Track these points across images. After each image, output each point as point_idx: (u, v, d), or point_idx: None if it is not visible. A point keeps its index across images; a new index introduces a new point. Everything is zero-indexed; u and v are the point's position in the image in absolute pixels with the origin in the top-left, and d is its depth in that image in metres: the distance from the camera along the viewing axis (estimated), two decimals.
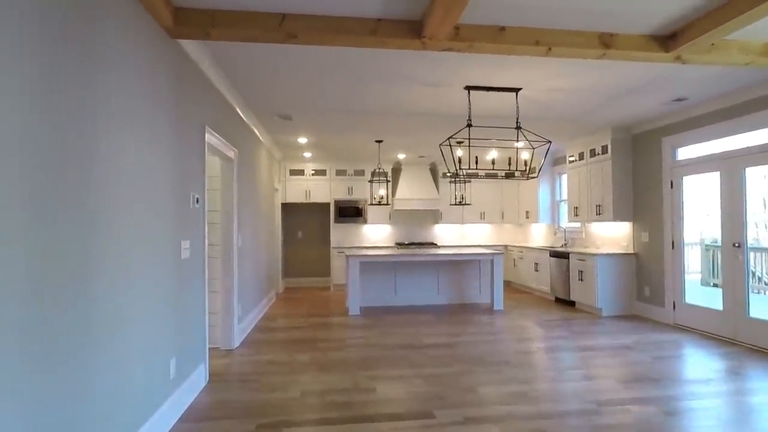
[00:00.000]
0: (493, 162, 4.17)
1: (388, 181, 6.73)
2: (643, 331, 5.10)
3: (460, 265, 7.00)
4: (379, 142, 6.80)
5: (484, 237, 9.51)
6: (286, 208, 9.10)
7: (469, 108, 4.24)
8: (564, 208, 8.06)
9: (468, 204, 6.91)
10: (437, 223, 9.21)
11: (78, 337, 1.79)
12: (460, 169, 4.02)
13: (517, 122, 4.24)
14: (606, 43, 3.05)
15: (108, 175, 2.03)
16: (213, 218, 4.55)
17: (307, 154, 8.04)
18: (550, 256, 7.18)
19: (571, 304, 6.70)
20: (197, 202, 3.33)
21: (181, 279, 2.99)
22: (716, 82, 4.16)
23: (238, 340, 4.66)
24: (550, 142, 4.21)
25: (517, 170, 4.25)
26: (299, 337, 4.92)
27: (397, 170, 9.15)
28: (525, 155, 4.32)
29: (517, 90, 4.22)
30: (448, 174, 8.92)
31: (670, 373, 3.67)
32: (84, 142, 1.84)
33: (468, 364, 3.90)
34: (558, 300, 7.09)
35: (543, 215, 8.21)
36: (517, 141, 4.17)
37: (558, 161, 8.05)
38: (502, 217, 9.25)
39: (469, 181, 6.88)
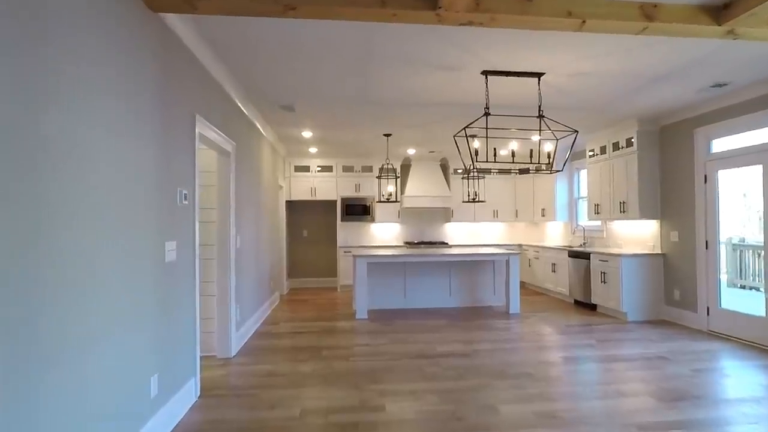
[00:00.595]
0: (512, 154, 3.79)
1: (396, 177, 6.36)
2: (675, 338, 4.69)
3: (473, 265, 6.63)
4: (387, 136, 6.44)
5: (497, 236, 9.11)
6: (291, 205, 8.77)
7: (487, 95, 3.86)
8: (582, 206, 7.64)
9: (481, 201, 6.53)
10: (448, 221, 8.83)
11: (21, 364, 1.46)
12: (476, 162, 3.65)
13: (539, 110, 3.86)
14: (648, 14, 2.66)
15: (64, 162, 1.69)
16: (209, 216, 4.23)
17: (313, 150, 7.70)
18: (569, 256, 6.77)
19: (592, 307, 6.29)
20: (186, 198, 2.99)
21: (165, 284, 2.65)
22: (767, 64, 3.73)
23: (237, 347, 4.33)
24: (576, 132, 3.82)
25: (539, 163, 3.87)
26: (302, 344, 4.58)
27: (406, 167, 8.78)
28: (548, 147, 3.93)
29: (539, 75, 3.84)
30: (460, 171, 8.55)
31: (713, 390, 3.27)
32: (28, 119, 1.50)
33: (486, 377, 3.53)
34: (577, 303, 6.68)
35: (560, 213, 7.80)
36: (540, 131, 3.79)
37: (576, 156, 7.62)
38: (516, 216, 8.84)
39: (483, 177, 6.48)
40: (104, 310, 1.98)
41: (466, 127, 3.71)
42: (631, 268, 5.58)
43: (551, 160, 3.96)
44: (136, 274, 2.28)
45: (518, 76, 3.82)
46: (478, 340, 4.67)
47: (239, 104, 4.49)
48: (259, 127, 5.65)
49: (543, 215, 8.22)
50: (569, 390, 3.26)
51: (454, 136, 3.88)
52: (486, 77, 3.84)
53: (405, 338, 4.78)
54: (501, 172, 8.76)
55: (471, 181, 6.50)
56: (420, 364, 3.90)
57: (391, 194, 6.47)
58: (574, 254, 6.64)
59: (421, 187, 8.41)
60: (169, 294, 2.73)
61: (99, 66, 1.94)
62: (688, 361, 3.90)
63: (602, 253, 5.95)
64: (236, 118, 4.44)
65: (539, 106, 3.86)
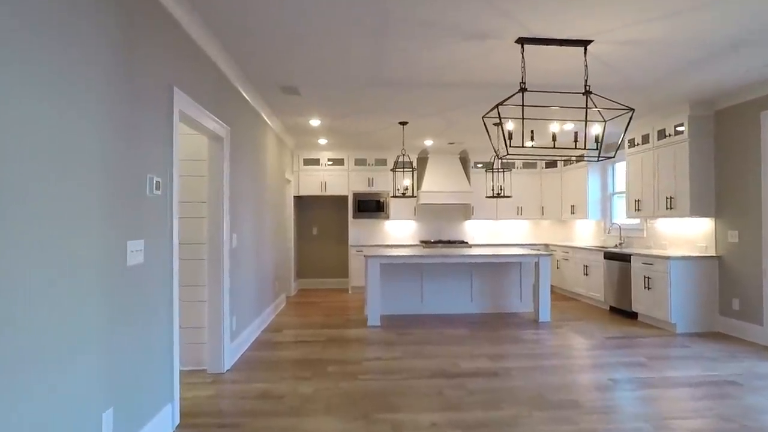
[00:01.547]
0: (554, 138, 3.17)
1: (413, 170, 5.76)
2: (739, 357, 4.01)
3: (497, 268, 6.00)
4: (403, 124, 5.84)
5: (520, 235, 8.44)
6: (300, 201, 8.25)
7: (523, 66, 3.24)
8: (617, 202, 6.94)
9: (507, 197, 5.90)
10: (468, 219, 8.20)
11: None
12: (510, 147, 3.04)
13: (586, 86, 3.23)
14: None
15: None
16: (198, 211, 3.70)
17: (323, 141, 7.16)
18: (605, 258, 6.09)
19: (632, 315, 5.61)
20: (159, 187, 2.46)
21: (125, 293, 2.12)
22: None
23: (231, 361, 3.80)
24: (632, 110, 3.17)
25: (585, 149, 3.23)
26: (306, 357, 4.03)
27: (423, 160, 8.17)
28: (595, 129, 3.30)
29: (586, 43, 3.21)
30: (480, 165, 7.93)
31: None
32: None
33: (523, 406, 2.92)
34: (614, 310, 6.01)
35: (592, 210, 7.11)
36: (587, 108, 3.16)
37: (611, 147, 6.92)
38: (542, 213, 8.17)
39: (509, 170, 5.85)
40: (25, 338, 1.44)
41: (500, 104, 3.10)
42: (681, 273, 4.89)
43: (599, 145, 3.32)
44: (78, 283, 1.74)
45: (560, 45, 3.20)
46: (507, 355, 4.06)
47: (237, 86, 3.96)
48: (264, 116, 5.12)
49: (572, 212, 7.53)
50: (631, 427, 2.64)
51: (483, 117, 3.28)
52: (522, 47, 3.22)
53: (422, 351, 4.20)
54: (526, 165, 8.09)
55: (495, 174, 5.87)
56: (441, 385, 3.31)
57: (407, 188, 5.88)
58: (611, 256, 5.97)
59: (439, 182, 7.80)
60: (133, 304, 2.19)
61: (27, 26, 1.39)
62: (766, 388, 3.24)
63: (646, 255, 5.27)
64: (233, 100, 3.91)
65: (585, 81, 3.23)
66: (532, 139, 3.12)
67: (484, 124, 3.33)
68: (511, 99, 3.16)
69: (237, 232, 4.07)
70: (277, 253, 6.18)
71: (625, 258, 5.66)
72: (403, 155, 5.77)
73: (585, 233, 7.72)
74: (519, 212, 8.12)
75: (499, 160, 5.90)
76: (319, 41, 3.21)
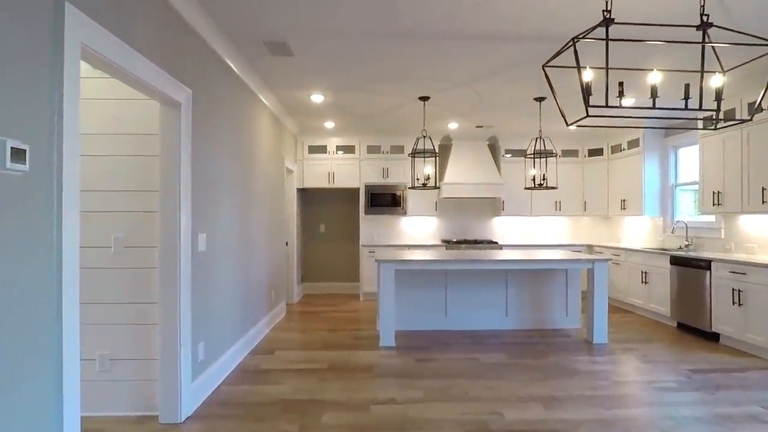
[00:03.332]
0: (653, 93, 2.11)
1: (435, 155, 4.72)
2: None
3: (538, 275, 4.93)
4: (424, 100, 4.80)
5: (558, 234, 7.32)
6: (305, 195, 7.29)
7: None
8: (682, 195, 5.78)
9: (551, 188, 4.81)
10: (497, 215, 7.11)
11: None
12: (588, 106, 2.00)
13: (701, 17, 2.14)
14: None
15: None
16: (147, 203, 2.75)
17: (329, 125, 6.16)
18: (672, 263, 4.96)
19: (711, 337, 4.48)
20: (24, 160, 1.49)
21: None
22: None
23: (193, 403, 2.84)
24: None
25: (700, 110, 2.16)
26: (296, 396, 3.05)
27: (445, 148, 7.12)
28: (715, 81, 2.21)
29: None
30: (508, 155, 6.86)
31: None
32: None
33: None
34: (683, 327, 4.87)
35: (649, 205, 5.95)
36: (703, 44, 2.08)
37: (672, 130, 5.76)
38: (584, 208, 7.03)
39: (553, 155, 4.75)
40: None
41: (576, 39, 2.04)
42: None
43: (718, 104, 2.24)
44: None
45: None
46: (565, 399, 3.00)
47: (203, 36, 2.98)
48: (253, 88, 4.16)
49: (623, 208, 6.38)
50: None
51: (544, 66, 2.23)
52: None
53: (450, 389, 3.18)
54: (566, 153, 6.96)
55: (537, 161, 4.79)
56: None
57: (428, 178, 4.84)
58: (681, 261, 4.83)
59: (465, 173, 6.74)
60: None
61: None
62: None
63: (734, 262, 4.13)
64: (197, 55, 2.94)
65: (701, 8, 2.14)
66: (621, 93, 2.07)
67: (546, 76, 2.27)
68: (590, 33, 2.09)
69: (207, 232, 3.11)
70: (275, 256, 5.22)
71: (701, 264, 4.53)
72: (424, 137, 4.72)
73: (637, 232, 6.56)
74: (557, 207, 7.00)
75: (541, 142, 4.82)
76: None
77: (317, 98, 4.83)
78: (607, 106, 2.08)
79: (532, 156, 4.72)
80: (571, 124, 2.30)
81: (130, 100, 2.77)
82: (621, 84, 2.15)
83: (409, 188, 5.22)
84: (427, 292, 4.88)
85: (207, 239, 3.10)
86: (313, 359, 3.87)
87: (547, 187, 4.66)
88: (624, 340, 4.50)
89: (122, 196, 2.76)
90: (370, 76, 4.14)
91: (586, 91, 2.06)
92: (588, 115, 2.04)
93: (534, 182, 4.70)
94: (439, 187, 4.95)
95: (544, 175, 4.66)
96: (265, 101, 4.66)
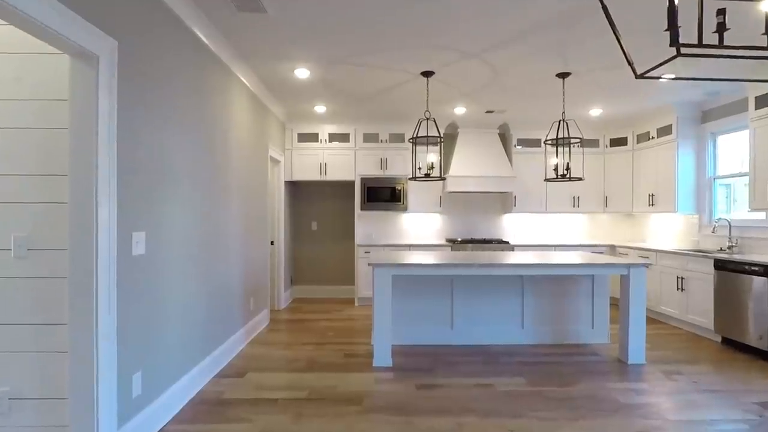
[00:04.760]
0: None
1: (440, 139, 4.01)
2: None
3: (559, 280, 4.23)
4: (427, 75, 4.10)
5: (576, 233, 6.61)
6: (295, 188, 6.60)
7: None
8: (721, 190, 5.06)
9: (577, 179, 4.10)
10: (508, 212, 6.40)
11: None
12: (678, 42, 1.31)
13: None
14: None
15: None
16: (57, 192, 2.07)
17: (320, 109, 5.46)
18: (716, 267, 4.24)
19: (765, 355, 3.77)
20: None
21: None
22: None
23: None
24: None
25: None
26: None
27: (451, 137, 6.41)
28: None
29: None
30: (519, 144, 6.16)
31: None
32: None
33: None
34: (729, 342, 4.17)
35: (683, 201, 5.23)
36: None
37: (711, 114, 5.04)
38: (606, 204, 6.31)
39: (579, 141, 4.04)
40: None
41: None
42: None
43: None
44: None
45: None
46: None
47: None
48: (225, 61, 3.49)
49: (651, 204, 5.66)
50: None
51: None
52: None
53: (459, 428, 2.48)
54: (586, 143, 6.24)
55: (561, 149, 4.08)
56: None
57: (433, 167, 4.13)
58: (727, 265, 4.12)
59: (473, 165, 6.03)
60: None
61: None
62: None
63: None
64: (136, 1, 2.25)
65: None
66: (722, 27, 1.37)
67: (603, 7, 1.57)
68: None
69: (148, 230, 2.42)
70: (255, 257, 4.54)
71: (755, 270, 3.82)
72: (428, 120, 4.02)
73: (667, 232, 5.84)
74: (575, 203, 6.29)
75: (564, 126, 4.09)
76: None
77: (302, 73, 4.13)
78: (700, 44, 1.37)
79: (555, 142, 4.00)
80: (643, 74, 1.59)
81: (36, 55, 2.09)
82: (722, 12, 1.44)
83: (409, 179, 4.48)
84: (429, 300, 4.18)
85: (148, 239, 2.41)
86: (292, 385, 3.18)
87: (571, 179, 3.95)
88: (663, 359, 3.80)
89: (25, 181, 2.07)
90: (364, 45, 3.44)
91: (673, 15, 1.35)
92: (679, 54, 1.33)
93: (556, 172, 3.98)
94: (444, 179, 4.22)
95: (567, 164, 3.93)
96: (242, 78, 3.97)
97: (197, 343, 3.10)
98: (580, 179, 4.08)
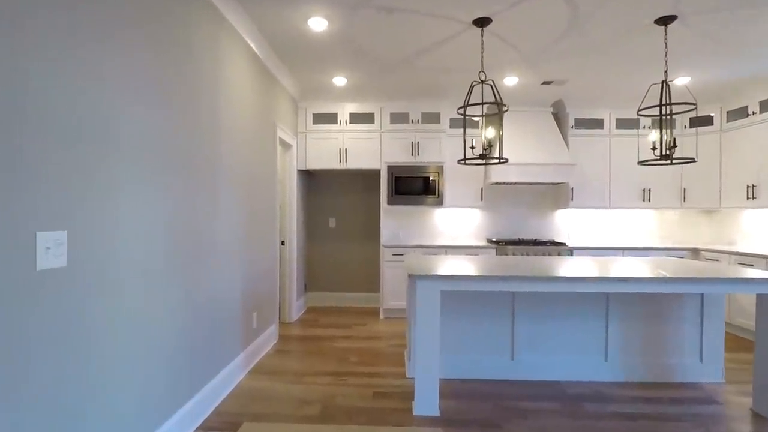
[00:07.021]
0: None
1: (501, 107, 3.02)
2: None
3: (657, 300, 3.19)
4: (482, 24, 3.10)
5: (646, 233, 5.52)
6: (310, 179, 5.68)
7: None
8: None
9: (688, 160, 3.04)
10: (563, 207, 5.36)
11: None
12: None
13: None
14: None
15: None
16: None
17: (339, 81, 4.50)
18: None
19: None
20: None
21: None
22: None
23: None
24: None
25: None
26: None
27: (494, 117, 5.39)
28: None
29: None
30: (577, 126, 5.12)
31: None
32: None
33: None
34: None
35: None
36: None
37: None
38: (683, 199, 5.21)
39: (694, 107, 2.99)
40: None
41: None
42: None
43: None
44: None
45: None
46: None
47: None
48: (215, 3, 2.55)
49: (751, 197, 4.56)
50: None
51: None
52: None
53: None
54: (656, 122, 5.13)
55: (664, 121, 3.02)
56: None
57: (490, 145, 3.13)
58: None
59: (522, 150, 5.01)
60: None
61: None
62: None
63: None
64: None
65: None
66: None
67: None
68: None
69: (70, 228, 1.50)
70: (261, 262, 3.61)
71: None
72: (482, 82, 3.01)
73: (765, 232, 4.72)
74: (645, 197, 5.21)
75: (667, 91, 3.04)
76: None
77: (318, 24, 3.17)
78: None
79: (659, 111, 2.96)
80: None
81: None
82: None
83: (460, 161, 3.41)
84: (481, 321, 3.20)
85: (71, 244, 1.49)
86: None
87: (679, 160, 2.90)
88: None
89: None
90: None
91: None
92: None
93: (659, 151, 2.94)
94: (506, 160, 3.21)
95: (674, 140, 2.89)
96: (240, 31, 3.04)
97: (167, 390, 2.18)
98: (691, 160, 3.01)
